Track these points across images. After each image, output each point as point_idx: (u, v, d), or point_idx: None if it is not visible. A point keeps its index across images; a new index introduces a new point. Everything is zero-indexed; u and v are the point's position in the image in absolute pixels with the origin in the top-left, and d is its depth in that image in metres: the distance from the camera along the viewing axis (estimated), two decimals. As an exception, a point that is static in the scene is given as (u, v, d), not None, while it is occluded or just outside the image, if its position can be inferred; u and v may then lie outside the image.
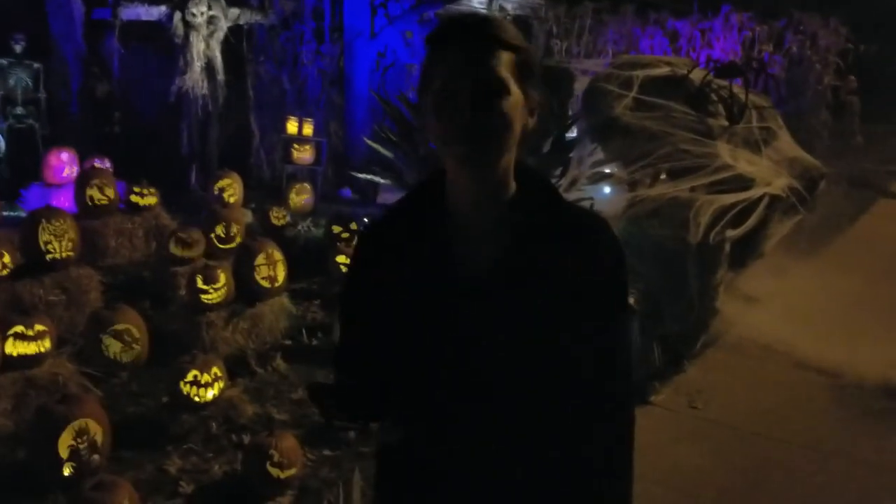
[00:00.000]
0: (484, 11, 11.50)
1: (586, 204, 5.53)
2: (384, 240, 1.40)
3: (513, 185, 1.33)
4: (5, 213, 6.71)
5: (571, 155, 5.83)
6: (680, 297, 4.60)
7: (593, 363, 1.32)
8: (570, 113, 6.66)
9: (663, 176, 5.19)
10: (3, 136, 7.86)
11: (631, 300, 4.80)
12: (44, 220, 4.59)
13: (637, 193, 4.94)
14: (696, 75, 5.65)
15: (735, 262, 5.23)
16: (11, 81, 7.95)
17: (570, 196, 5.38)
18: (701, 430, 4.30)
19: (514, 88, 1.23)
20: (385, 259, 1.37)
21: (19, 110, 7.99)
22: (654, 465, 3.89)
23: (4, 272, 4.49)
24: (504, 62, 1.23)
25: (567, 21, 12.33)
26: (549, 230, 1.31)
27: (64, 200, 6.46)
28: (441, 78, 1.23)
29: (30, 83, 8.06)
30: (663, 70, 5.74)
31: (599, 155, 5.75)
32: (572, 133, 6.46)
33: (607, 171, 5.83)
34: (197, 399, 3.66)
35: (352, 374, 1.43)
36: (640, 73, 5.59)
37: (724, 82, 5.57)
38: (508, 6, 11.88)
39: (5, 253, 4.50)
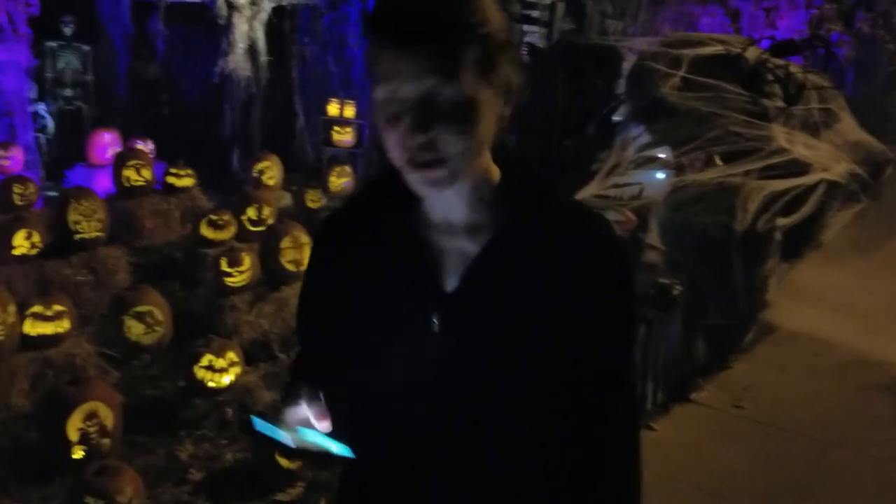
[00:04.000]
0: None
1: (634, 190, 5.30)
2: (343, 236, 1.19)
3: (493, 175, 1.12)
4: (50, 194, 6.77)
5: (615, 138, 5.58)
6: (724, 288, 4.33)
7: (588, 389, 1.11)
8: (616, 93, 6.39)
9: (713, 160, 4.92)
10: (52, 117, 7.94)
11: (675, 292, 4.55)
12: (73, 200, 4.57)
13: (682, 178, 4.67)
14: (752, 54, 5.33)
15: (789, 253, 4.92)
16: (61, 64, 8.02)
17: (612, 181, 5.15)
18: (745, 430, 4.05)
19: (478, 90, 1.00)
20: (343, 260, 1.17)
21: (68, 92, 8.06)
22: (692, 468, 3.67)
23: (33, 251, 4.48)
24: (465, 58, 0.98)
25: (622, 0, 11.98)
26: (536, 231, 1.08)
27: (106, 181, 6.49)
28: (382, 86, 1.01)
29: (79, 65, 8.12)
30: (716, 48, 5.43)
31: (646, 137, 5.48)
32: (619, 115, 6.21)
33: (654, 154, 5.57)
34: (212, 384, 3.57)
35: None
36: (689, 52, 5.31)
37: (781, 61, 5.24)
38: (561, -14, 11.57)
39: (34, 232, 4.48)
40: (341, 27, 8.92)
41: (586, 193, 5.24)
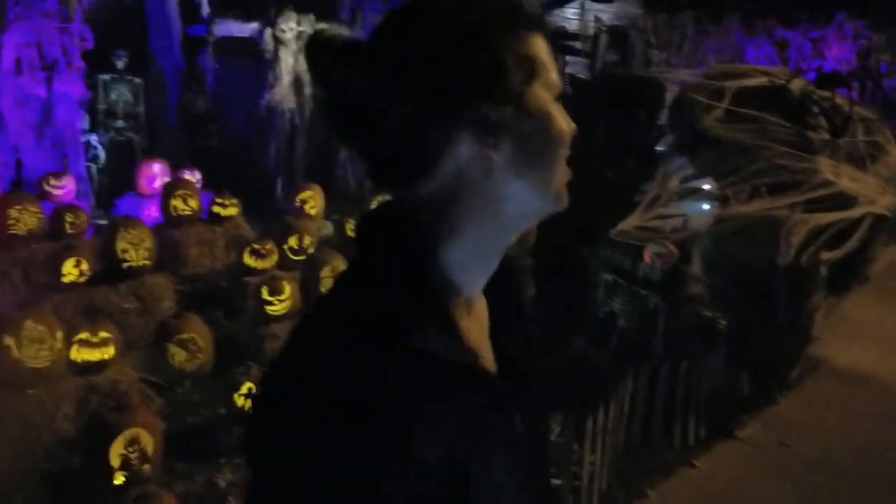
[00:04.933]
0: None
1: (677, 222, 5.25)
2: None
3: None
4: (100, 222, 6.95)
5: (657, 170, 5.54)
6: (769, 322, 4.26)
7: None
8: (658, 124, 6.37)
9: (758, 192, 4.85)
10: (104, 147, 8.17)
11: (718, 325, 4.49)
12: (122, 229, 4.69)
13: (725, 210, 4.62)
14: (797, 86, 5.27)
15: (836, 287, 4.81)
16: (113, 96, 8.27)
17: (654, 213, 5.11)
18: (791, 469, 3.94)
19: None
20: None
21: (120, 123, 8.30)
22: (733, 507, 3.59)
23: (82, 279, 4.59)
24: None
25: (667, 31, 11.96)
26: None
27: (154, 210, 6.64)
28: (546, 77, 0.87)
29: (130, 97, 8.36)
30: (759, 80, 5.38)
31: (688, 169, 5.44)
32: (661, 147, 6.18)
33: (697, 186, 5.52)
34: (251, 413, 3.60)
35: None
36: (732, 84, 5.27)
37: (827, 93, 5.17)
38: (604, 17, 11.63)
39: (83, 260, 4.60)
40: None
41: (628, 225, 5.21)
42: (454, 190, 0.83)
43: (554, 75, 0.87)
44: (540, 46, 0.86)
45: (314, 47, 0.85)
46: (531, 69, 0.84)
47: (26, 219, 4.83)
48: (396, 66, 0.81)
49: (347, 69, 0.83)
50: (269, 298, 4.38)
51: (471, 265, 0.86)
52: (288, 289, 4.43)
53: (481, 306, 0.93)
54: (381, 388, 0.74)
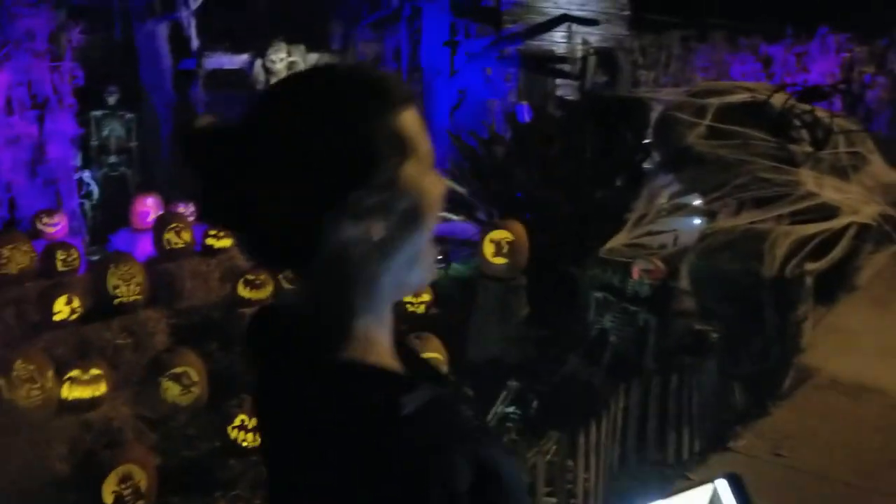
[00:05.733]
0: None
1: (665, 238, 5.29)
2: None
3: None
4: (94, 258, 6.98)
5: (644, 188, 5.59)
6: (757, 334, 4.28)
7: None
8: (644, 143, 6.44)
9: (743, 206, 4.90)
10: (97, 183, 8.23)
11: (710, 338, 4.52)
12: (112, 265, 4.72)
13: (711, 226, 4.66)
14: (778, 100, 5.33)
15: (824, 297, 4.85)
16: (105, 131, 8.35)
17: (642, 230, 5.15)
18: (787, 479, 3.95)
19: None
20: None
21: (113, 159, 8.37)
22: (728, 520, 3.58)
23: (73, 316, 4.62)
24: None
25: (654, 51, 12.08)
26: None
27: (148, 244, 6.68)
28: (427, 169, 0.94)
29: (123, 133, 8.43)
30: (741, 96, 5.44)
31: (675, 186, 5.49)
32: (648, 165, 6.24)
33: (686, 202, 5.57)
34: (245, 444, 3.62)
35: None
36: (715, 101, 5.33)
37: (808, 107, 5.23)
38: (592, 39, 11.74)
39: (75, 297, 4.63)
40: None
41: (616, 243, 5.25)
42: (339, 270, 0.86)
43: (426, 146, 0.89)
44: (411, 120, 0.88)
45: (186, 137, 0.87)
46: (403, 148, 0.86)
47: (18, 258, 4.87)
48: (271, 155, 0.83)
49: (221, 158, 0.84)
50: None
51: (375, 331, 0.90)
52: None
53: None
54: (410, 442, 0.79)
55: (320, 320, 0.88)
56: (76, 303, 4.62)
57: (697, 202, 5.48)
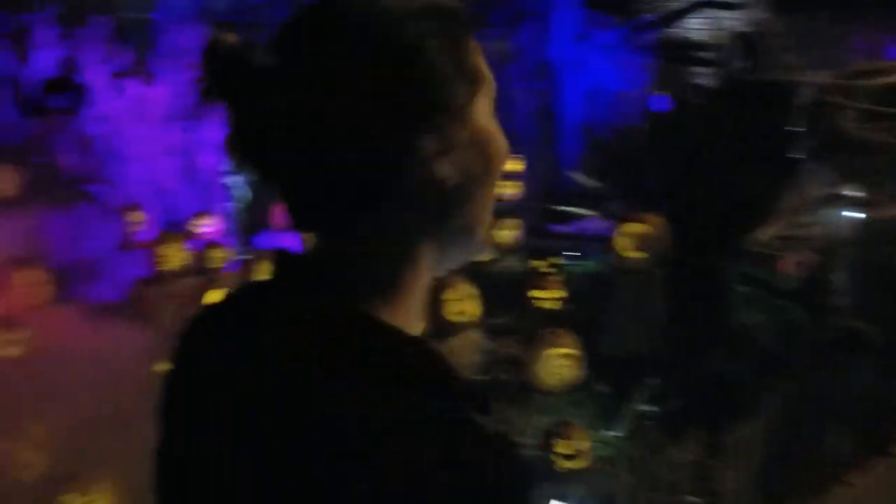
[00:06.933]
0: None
1: (816, 230, 5.00)
2: None
3: None
4: (243, 257, 7.36)
5: (794, 177, 5.31)
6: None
7: None
8: (794, 130, 6.10)
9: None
10: (245, 186, 8.66)
11: (866, 336, 4.22)
12: (259, 262, 4.97)
13: (870, 216, 4.35)
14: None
15: None
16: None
17: (792, 221, 4.89)
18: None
19: None
20: None
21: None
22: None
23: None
24: None
25: (801, 33, 11.44)
26: None
27: (293, 242, 6.97)
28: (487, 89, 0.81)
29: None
30: (903, 75, 5.06)
31: (828, 175, 5.17)
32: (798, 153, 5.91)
33: (840, 192, 5.23)
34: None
35: None
36: (873, 83, 4.98)
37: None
38: (734, 23, 11.24)
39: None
40: (504, 84, 9.16)
41: (765, 235, 5.01)
42: (399, 225, 0.74)
43: (492, 80, 0.79)
44: (477, 50, 0.77)
45: (215, 61, 0.72)
46: (475, 78, 0.75)
47: (177, 256, 5.20)
48: (332, 87, 0.69)
49: (271, 91, 0.70)
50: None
51: (413, 308, 0.78)
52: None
53: None
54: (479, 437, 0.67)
55: (365, 286, 0.73)
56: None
57: (853, 192, 5.14)
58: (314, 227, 0.76)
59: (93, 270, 5.74)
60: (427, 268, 0.77)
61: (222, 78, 0.71)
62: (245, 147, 0.74)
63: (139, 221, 5.93)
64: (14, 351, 4.27)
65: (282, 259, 0.79)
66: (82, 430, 3.66)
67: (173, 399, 0.80)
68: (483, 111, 0.77)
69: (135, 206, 6.09)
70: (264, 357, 0.70)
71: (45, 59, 6.18)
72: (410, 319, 0.77)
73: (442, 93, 0.72)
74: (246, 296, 0.81)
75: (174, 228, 6.77)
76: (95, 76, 6.44)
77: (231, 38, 0.72)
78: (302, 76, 0.69)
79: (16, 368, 4.21)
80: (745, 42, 11.07)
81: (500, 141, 0.79)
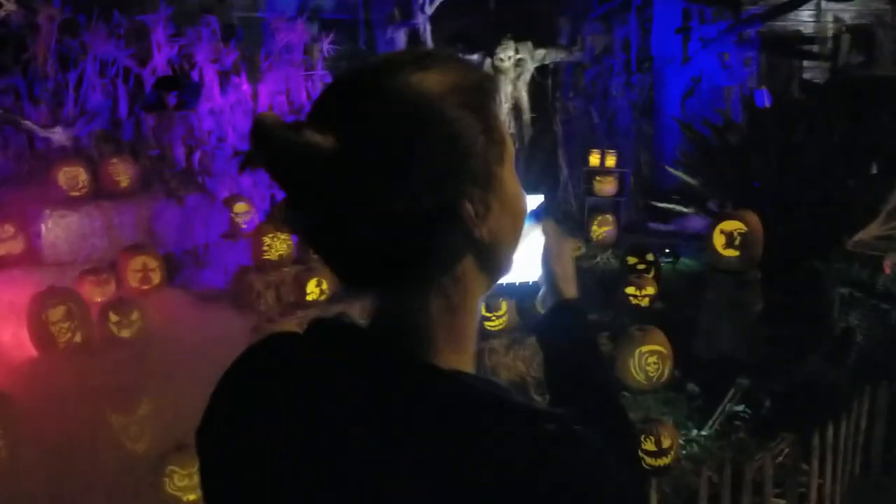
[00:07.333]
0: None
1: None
2: None
3: None
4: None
5: None
6: None
7: None
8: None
9: None
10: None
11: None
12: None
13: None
14: None
15: None
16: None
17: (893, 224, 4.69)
18: None
19: None
20: None
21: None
22: None
23: (322, 297, 5.11)
24: None
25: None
26: None
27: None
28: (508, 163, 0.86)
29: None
30: None
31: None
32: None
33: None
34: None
35: None
36: None
37: None
38: (845, 16, 10.77)
39: (324, 280, 5.10)
40: (604, 79, 9.08)
41: (867, 235, 4.84)
42: (447, 283, 0.78)
43: (512, 146, 0.83)
44: (499, 116, 0.81)
45: (266, 138, 0.73)
46: (500, 146, 0.80)
47: (277, 245, 5.43)
48: (382, 166, 0.73)
49: (320, 171, 0.73)
50: (487, 314, 4.58)
51: (469, 348, 0.83)
52: (504, 306, 4.62)
53: None
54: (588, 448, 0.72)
55: (421, 338, 0.78)
56: (325, 285, 5.10)
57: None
58: (364, 287, 0.80)
59: (200, 258, 6.06)
60: (473, 310, 0.82)
61: (272, 159, 0.74)
62: (299, 220, 0.78)
63: (244, 212, 6.20)
64: (127, 332, 4.58)
65: (332, 323, 0.84)
66: (188, 407, 3.88)
67: (231, 461, 0.82)
68: (508, 171, 0.81)
69: (240, 198, 6.37)
70: (346, 421, 0.73)
71: (160, 58, 6.53)
72: (468, 361, 0.82)
73: (479, 163, 0.77)
74: (296, 356, 0.85)
75: (277, 219, 7.06)
76: (206, 73, 6.76)
77: (276, 119, 0.74)
78: (352, 157, 0.73)
79: (128, 348, 4.51)
80: (859, 35, 10.59)
81: (524, 199, 0.85)
